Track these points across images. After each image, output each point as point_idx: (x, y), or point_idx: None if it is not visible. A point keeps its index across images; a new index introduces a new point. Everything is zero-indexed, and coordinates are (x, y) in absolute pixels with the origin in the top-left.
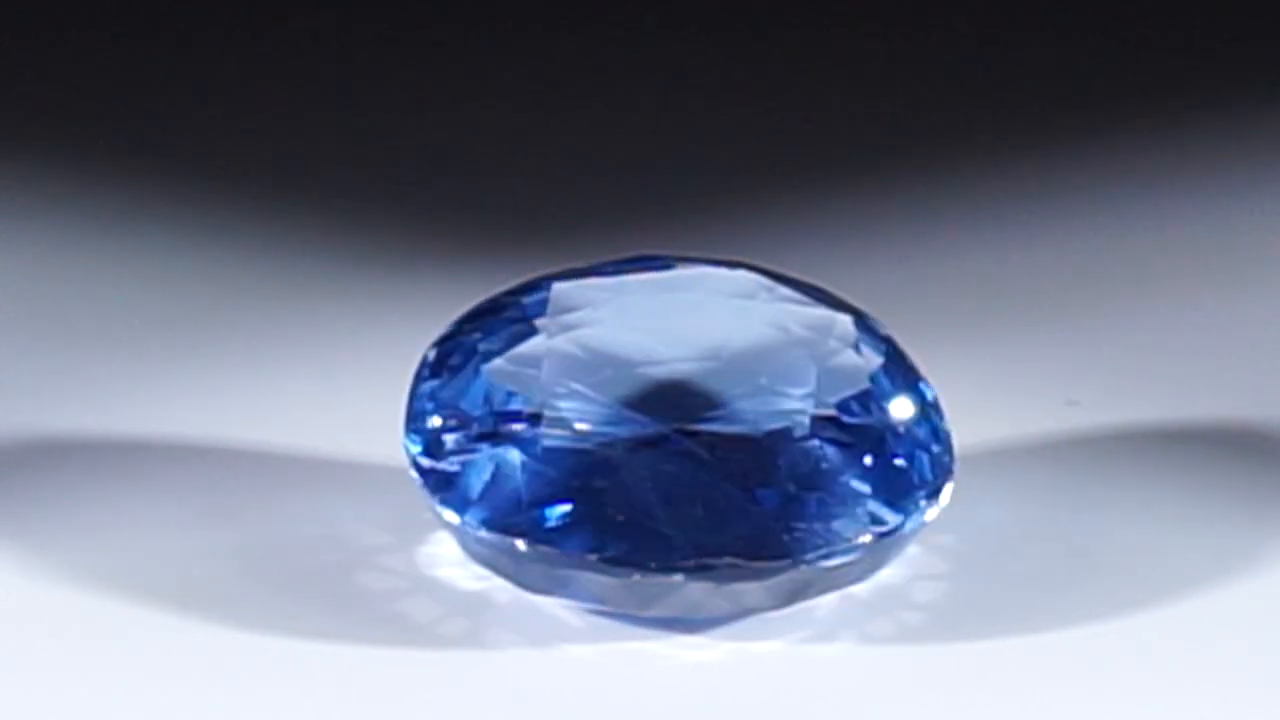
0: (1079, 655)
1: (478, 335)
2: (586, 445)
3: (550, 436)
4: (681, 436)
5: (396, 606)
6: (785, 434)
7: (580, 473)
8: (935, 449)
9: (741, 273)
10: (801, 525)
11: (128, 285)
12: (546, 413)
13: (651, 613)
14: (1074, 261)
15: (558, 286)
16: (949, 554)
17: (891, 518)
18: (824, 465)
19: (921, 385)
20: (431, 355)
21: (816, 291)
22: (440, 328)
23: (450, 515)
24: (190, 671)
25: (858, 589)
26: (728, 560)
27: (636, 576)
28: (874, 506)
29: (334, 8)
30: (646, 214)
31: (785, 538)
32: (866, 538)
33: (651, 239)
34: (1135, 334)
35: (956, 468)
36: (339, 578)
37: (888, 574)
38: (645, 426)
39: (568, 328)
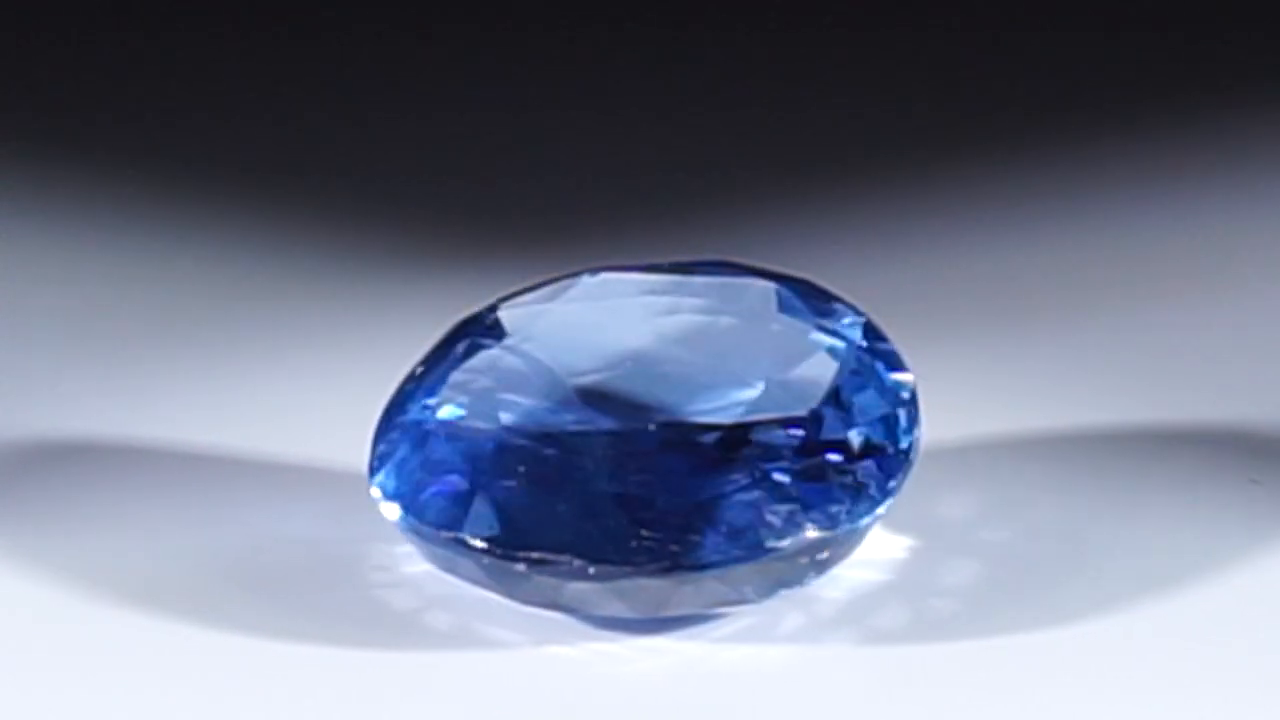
0: (1063, 655)
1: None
2: (482, 427)
3: (457, 420)
4: (580, 435)
5: (391, 607)
6: (682, 439)
7: (467, 455)
8: (863, 464)
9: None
10: (654, 535)
11: (129, 285)
12: (466, 402)
13: (537, 605)
14: (1070, 262)
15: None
16: (932, 551)
17: (780, 540)
18: (708, 477)
19: (877, 386)
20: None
21: (802, 284)
22: (438, 328)
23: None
24: (182, 673)
25: (838, 590)
26: (566, 557)
27: (486, 560)
28: (775, 518)
29: (334, 7)
30: (643, 215)
31: (633, 544)
32: (783, 544)
33: (649, 240)
34: (1132, 334)
35: (897, 478)
36: (335, 579)
37: (876, 572)
38: (551, 420)
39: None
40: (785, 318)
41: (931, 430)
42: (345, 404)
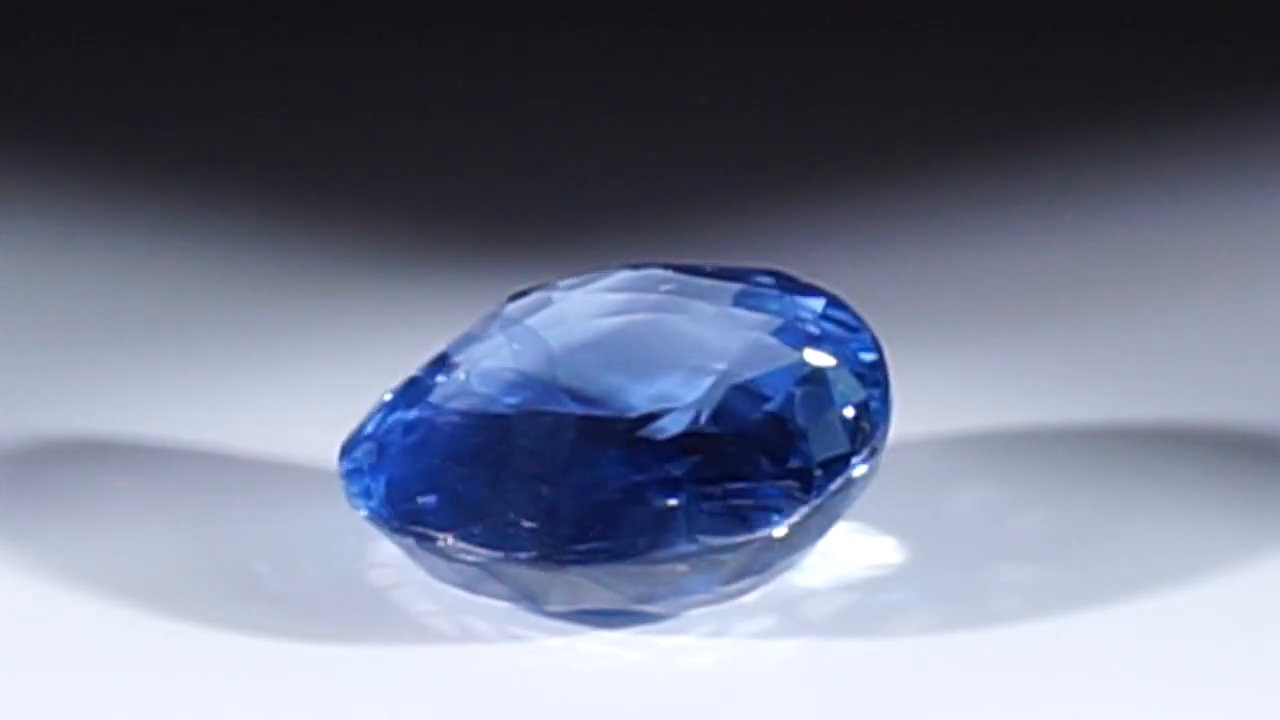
0: (1048, 648)
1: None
2: (434, 415)
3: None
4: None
5: (388, 601)
6: (599, 431)
7: (386, 430)
8: (768, 486)
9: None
10: (532, 524)
11: (129, 285)
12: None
13: (455, 585)
14: (1068, 262)
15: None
16: (915, 548)
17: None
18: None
19: (825, 419)
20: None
21: (833, 300)
22: (438, 329)
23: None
24: (167, 665)
25: (814, 578)
26: (444, 535)
27: (410, 541)
28: (662, 524)
29: (334, 7)
30: (641, 215)
31: (510, 530)
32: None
33: (646, 240)
34: (1127, 334)
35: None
36: (331, 576)
37: (857, 563)
38: (489, 403)
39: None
40: (771, 338)
41: (918, 425)
42: (345, 404)
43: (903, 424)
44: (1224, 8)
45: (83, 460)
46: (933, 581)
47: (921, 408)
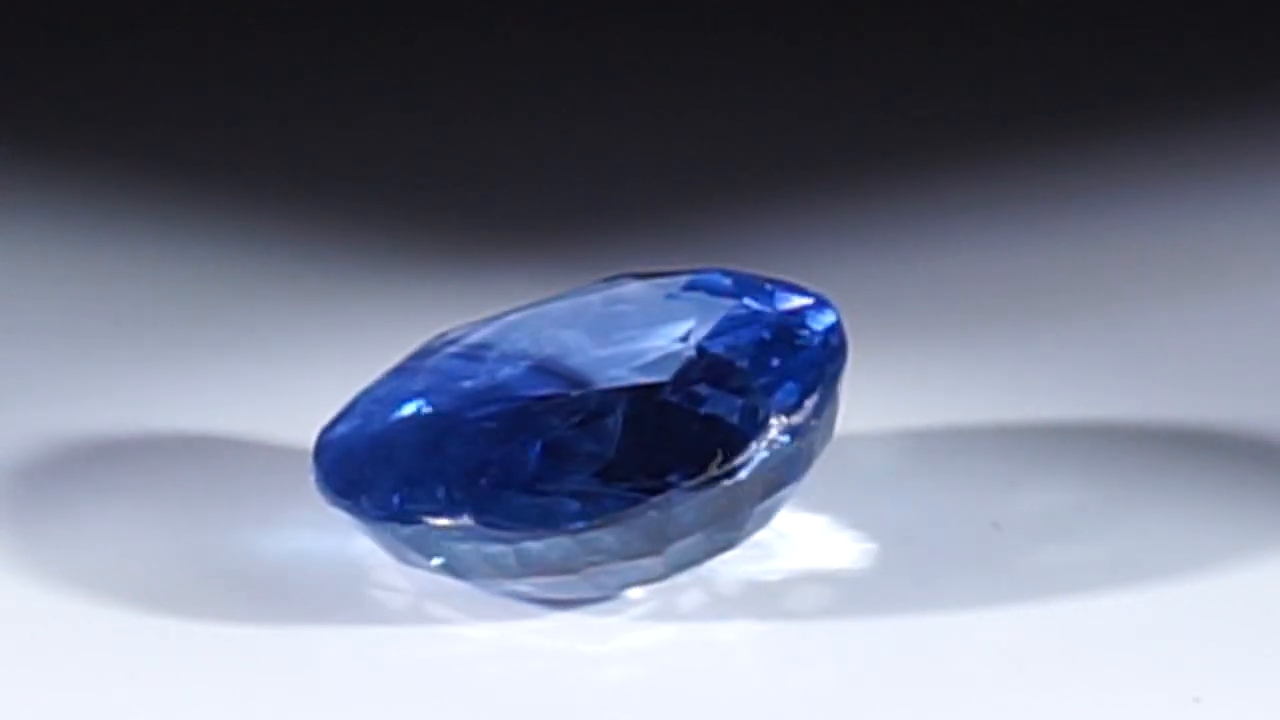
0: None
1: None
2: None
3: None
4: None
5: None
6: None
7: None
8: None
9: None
10: (452, 493)
11: (128, 286)
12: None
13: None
14: (1066, 262)
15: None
16: (888, 543)
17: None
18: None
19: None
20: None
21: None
22: (437, 327)
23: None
24: (156, 657)
25: (744, 571)
26: (363, 502)
27: (347, 516)
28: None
29: (335, 8)
30: (644, 217)
31: (430, 504)
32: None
33: (644, 240)
34: (1129, 333)
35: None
36: (327, 570)
37: (831, 553)
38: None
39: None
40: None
41: (890, 419)
42: (327, 405)
43: (873, 419)
44: (1224, 7)
45: (78, 455)
46: (896, 575)
47: (883, 402)
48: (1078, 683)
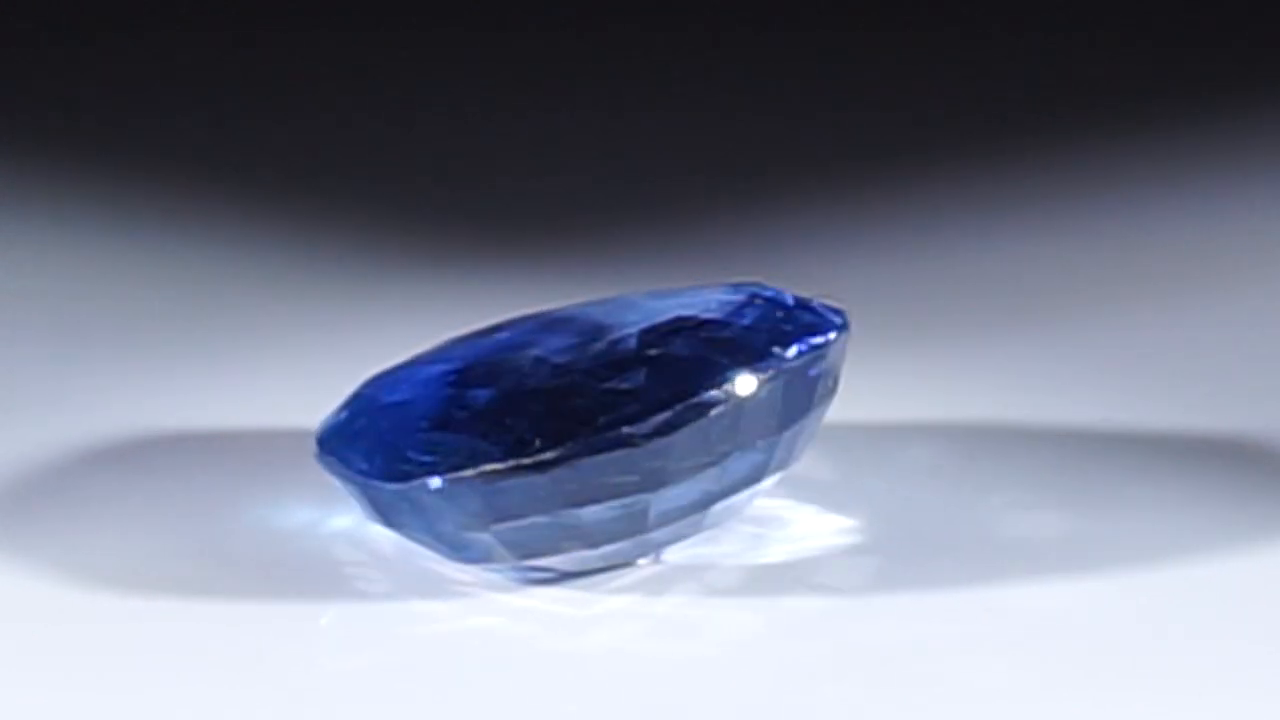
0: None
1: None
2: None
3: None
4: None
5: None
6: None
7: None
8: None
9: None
10: (430, 457)
11: (131, 284)
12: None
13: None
14: (1065, 262)
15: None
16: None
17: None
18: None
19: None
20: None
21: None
22: (437, 328)
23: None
24: (148, 641)
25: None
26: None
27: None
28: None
29: (340, 9)
30: (635, 215)
31: (404, 464)
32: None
33: (644, 240)
34: (1128, 333)
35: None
36: (324, 566)
37: (821, 547)
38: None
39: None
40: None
41: (878, 412)
42: (334, 403)
43: (870, 412)
44: (1224, 8)
45: (78, 454)
46: (886, 557)
47: (881, 395)
48: (1069, 668)
